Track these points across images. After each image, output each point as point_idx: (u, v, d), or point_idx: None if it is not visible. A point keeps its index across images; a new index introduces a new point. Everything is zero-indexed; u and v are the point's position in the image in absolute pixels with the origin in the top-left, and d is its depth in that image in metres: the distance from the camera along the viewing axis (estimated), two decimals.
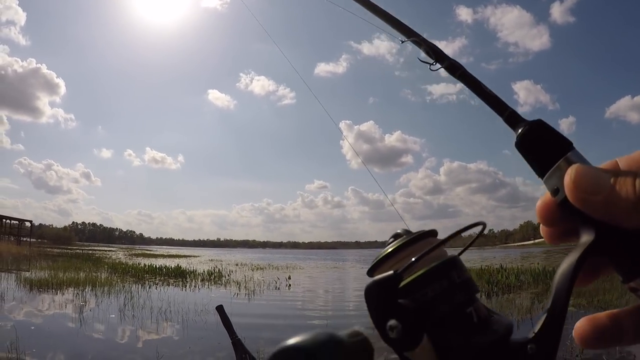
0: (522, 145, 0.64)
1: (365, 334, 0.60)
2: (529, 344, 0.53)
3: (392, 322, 0.56)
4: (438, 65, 0.79)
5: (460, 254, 0.69)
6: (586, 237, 0.56)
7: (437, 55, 0.80)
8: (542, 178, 0.61)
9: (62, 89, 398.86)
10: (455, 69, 0.78)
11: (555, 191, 0.59)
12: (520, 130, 0.64)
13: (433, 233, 0.70)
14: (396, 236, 0.71)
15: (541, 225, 0.65)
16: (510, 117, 0.68)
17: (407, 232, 0.71)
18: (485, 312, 0.59)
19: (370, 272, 0.70)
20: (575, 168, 0.57)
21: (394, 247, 0.68)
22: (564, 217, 0.60)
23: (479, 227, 0.68)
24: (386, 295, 0.58)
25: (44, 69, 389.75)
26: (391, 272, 0.59)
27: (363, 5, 0.93)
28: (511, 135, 0.66)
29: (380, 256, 0.69)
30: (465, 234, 0.66)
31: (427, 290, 0.58)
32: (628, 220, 0.54)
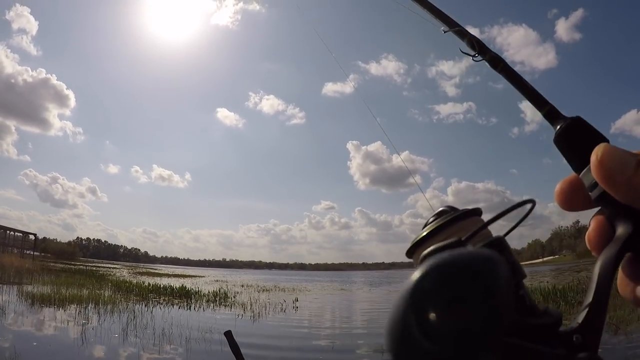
0: (561, 141, 0.66)
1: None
2: (574, 334, 0.54)
3: None
4: (480, 58, 0.80)
5: (506, 234, 0.65)
6: (624, 230, 0.57)
7: (480, 47, 0.80)
8: (578, 174, 0.62)
9: (72, 102, 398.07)
10: (497, 62, 0.78)
11: (593, 186, 0.60)
12: (559, 127, 0.66)
13: (477, 212, 0.70)
14: (440, 213, 0.70)
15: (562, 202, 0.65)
16: (550, 112, 0.70)
17: (451, 208, 0.70)
18: (532, 300, 0.59)
19: (410, 253, 0.70)
20: (602, 147, 0.58)
21: (438, 224, 0.67)
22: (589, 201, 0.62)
23: (528, 206, 0.64)
24: None
25: (54, 79, 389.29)
26: (454, 239, 0.59)
27: None
28: (538, 141, 0.61)
29: (423, 234, 0.67)
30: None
31: None
32: None
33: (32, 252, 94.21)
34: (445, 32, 0.84)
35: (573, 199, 0.63)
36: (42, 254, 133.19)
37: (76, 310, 19.15)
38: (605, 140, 0.61)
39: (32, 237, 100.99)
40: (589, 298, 0.54)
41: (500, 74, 0.76)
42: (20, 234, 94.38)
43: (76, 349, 11.95)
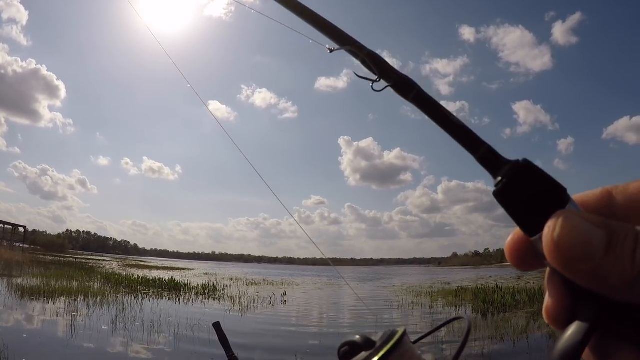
0: (504, 197, 0.50)
1: None
2: None
3: None
4: (383, 83, 0.59)
5: None
6: (589, 311, 0.46)
7: (380, 68, 0.59)
8: (531, 237, 0.48)
9: (62, 93, 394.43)
10: (407, 89, 0.58)
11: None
12: (501, 177, 0.50)
13: (404, 335, 0.58)
14: (353, 347, 0.59)
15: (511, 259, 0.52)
16: (487, 156, 0.53)
17: (366, 340, 0.58)
18: None
19: None
20: (560, 221, 0.45)
21: None
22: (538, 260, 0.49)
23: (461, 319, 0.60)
24: None
25: (44, 70, 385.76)
26: None
27: (283, 4, 0.68)
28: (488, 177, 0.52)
29: None
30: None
31: None
32: (620, 296, 0.44)
33: (21, 245, 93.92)
34: (332, 51, 0.64)
35: (526, 261, 0.51)
36: (32, 246, 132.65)
37: (66, 302, 19.24)
38: (562, 191, 0.48)
39: (21, 229, 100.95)
40: None
41: (413, 104, 0.58)
42: (10, 227, 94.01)
43: (65, 340, 12.04)
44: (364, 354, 0.56)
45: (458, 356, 0.56)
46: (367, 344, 0.57)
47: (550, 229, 0.45)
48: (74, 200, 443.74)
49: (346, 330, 16.58)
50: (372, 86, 0.60)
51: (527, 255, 0.50)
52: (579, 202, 0.49)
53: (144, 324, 14.78)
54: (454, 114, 0.56)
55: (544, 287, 0.51)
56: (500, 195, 0.50)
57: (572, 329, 0.46)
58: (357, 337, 0.59)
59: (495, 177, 0.51)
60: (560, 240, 0.44)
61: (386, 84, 0.59)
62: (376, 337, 0.58)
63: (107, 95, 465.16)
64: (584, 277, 0.44)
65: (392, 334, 0.57)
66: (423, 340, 0.68)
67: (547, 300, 0.50)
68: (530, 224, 0.47)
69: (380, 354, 0.54)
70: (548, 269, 0.49)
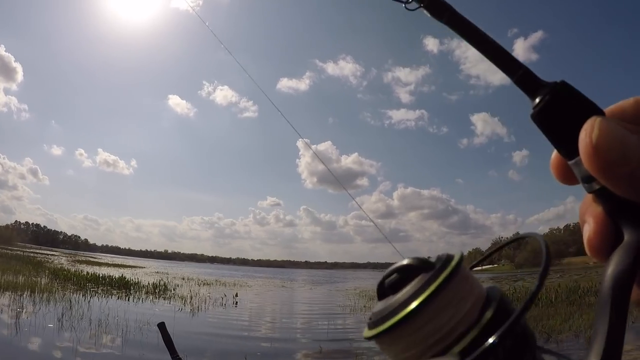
0: (543, 119, 0.49)
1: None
2: None
3: None
4: (415, 5, 0.58)
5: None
6: (635, 233, 0.44)
7: None
8: (569, 160, 0.48)
9: (20, 76, 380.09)
10: (441, 9, 0.56)
11: (587, 179, 0.47)
12: (540, 99, 0.49)
13: (462, 259, 0.49)
14: (405, 273, 0.48)
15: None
16: (524, 78, 0.52)
17: (423, 262, 0.48)
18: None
19: (382, 335, 0.46)
20: (597, 124, 0.44)
21: (420, 300, 0.44)
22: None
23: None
24: None
25: (2, 50, 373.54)
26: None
27: None
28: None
29: (400, 316, 0.44)
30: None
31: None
32: None
33: None
34: None
35: (567, 176, 0.50)
36: None
37: (10, 298, 18.77)
38: (598, 111, 0.47)
39: None
40: (604, 318, 0.42)
41: (448, 26, 0.56)
42: None
43: (9, 338, 11.77)
44: (424, 276, 0.47)
45: (543, 279, 0.46)
46: (426, 266, 0.48)
47: (588, 132, 0.44)
48: (24, 190, 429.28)
49: (299, 333, 16.67)
50: (405, 6, 0.59)
51: (568, 172, 0.50)
52: (616, 110, 0.48)
53: (92, 323, 14.52)
54: (490, 36, 0.55)
55: (582, 219, 0.50)
56: (539, 116, 0.49)
57: (620, 254, 0.45)
58: (407, 260, 0.49)
59: (532, 99, 0.50)
60: (598, 142, 0.43)
61: (418, 5, 0.57)
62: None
63: (66, 83, 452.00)
64: (622, 182, 0.43)
65: (450, 256, 0.49)
66: None
67: (587, 230, 0.48)
68: (569, 147, 0.47)
69: (444, 273, 0.46)
70: (585, 197, 0.49)
